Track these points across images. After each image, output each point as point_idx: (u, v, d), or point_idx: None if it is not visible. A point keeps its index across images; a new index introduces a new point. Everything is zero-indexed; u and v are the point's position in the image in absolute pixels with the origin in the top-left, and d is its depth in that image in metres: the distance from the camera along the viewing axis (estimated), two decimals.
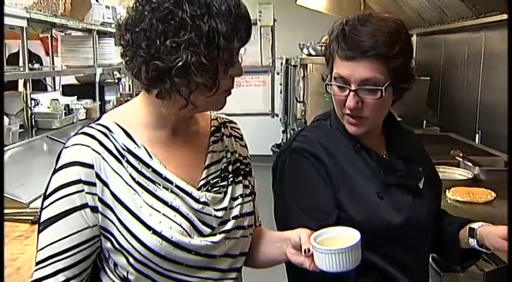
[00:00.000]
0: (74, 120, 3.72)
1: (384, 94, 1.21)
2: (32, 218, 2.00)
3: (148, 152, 1.04)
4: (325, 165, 1.26)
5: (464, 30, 3.56)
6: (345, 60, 1.22)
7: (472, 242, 1.27)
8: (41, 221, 1.01)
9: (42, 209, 1.02)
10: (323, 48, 1.36)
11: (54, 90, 4.41)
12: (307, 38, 4.67)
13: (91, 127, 1.05)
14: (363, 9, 4.55)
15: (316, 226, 1.12)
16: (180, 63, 0.94)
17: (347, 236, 1.05)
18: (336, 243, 1.03)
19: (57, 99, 3.64)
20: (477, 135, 3.30)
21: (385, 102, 1.25)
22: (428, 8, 3.74)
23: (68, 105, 3.70)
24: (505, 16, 2.76)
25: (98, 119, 1.09)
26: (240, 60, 1.06)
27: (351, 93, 1.22)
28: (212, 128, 1.18)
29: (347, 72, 1.22)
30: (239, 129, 1.26)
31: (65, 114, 3.61)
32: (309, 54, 4.13)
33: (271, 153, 5.59)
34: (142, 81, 1.00)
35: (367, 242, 1.17)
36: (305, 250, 1.05)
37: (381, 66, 1.20)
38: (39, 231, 1.02)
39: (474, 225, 1.29)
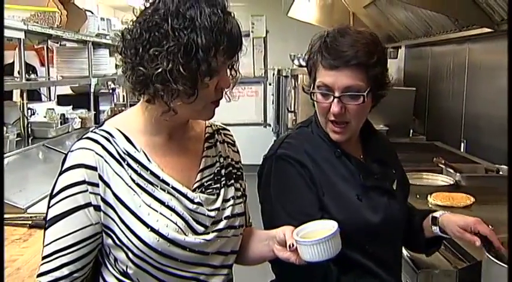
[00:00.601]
0: (70, 129, 3.79)
1: (365, 100, 1.31)
2: (29, 222, 2.07)
3: (147, 156, 1.12)
4: (310, 171, 1.34)
5: (449, 43, 3.66)
6: (328, 70, 1.31)
7: (435, 229, 1.38)
8: (48, 218, 1.10)
9: (48, 207, 1.10)
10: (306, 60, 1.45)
11: (50, 100, 4.48)
12: (298, 49, 4.77)
13: (95, 132, 1.13)
14: (352, 21, 4.67)
15: None
16: (159, 70, 1.02)
17: (326, 228, 1.13)
18: (316, 235, 1.11)
19: (53, 109, 3.71)
20: (462, 144, 3.39)
21: (365, 108, 1.35)
22: (414, 21, 3.85)
23: (63, 114, 3.76)
24: (485, 29, 2.87)
25: (101, 125, 1.17)
26: (231, 73, 1.14)
27: (335, 99, 1.31)
28: (206, 135, 1.26)
29: (331, 80, 1.31)
30: (232, 135, 1.35)
31: (61, 124, 3.67)
32: (300, 65, 4.24)
33: None
34: (131, 85, 1.10)
35: (349, 240, 1.26)
36: (290, 245, 1.12)
37: (362, 75, 1.30)
38: (45, 228, 1.10)
39: (436, 214, 1.40)
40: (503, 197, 2.19)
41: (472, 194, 2.16)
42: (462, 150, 3.36)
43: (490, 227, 1.27)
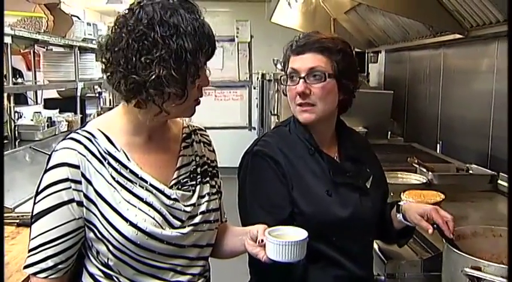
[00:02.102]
0: (56, 132, 3.85)
1: (326, 79, 1.42)
2: (17, 221, 2.14)
3: (126, 156, 1.20)
4: (282, 167, 1.43)
5: (425, 48, 3.78)
6: (296, 55, 1.46)
7: (399, 216, 1.47)
8: (33, 214, 1.17)
9: (34, 203, 1.17)
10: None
11: (37, 103, 4.53)
12: (281, 54, 4.85)
13: (77, 133, 1.20)
14: (333, 27, 4.78)
15: (273, 220, 1.30)
16: (153, 77, 1.10)
17: (297, 235, 1.22)
18: (286, 238, 1.20)
19: (39, 112, 3.77)
20: (438, 146, 3.51)
21: (329, 90, 1.44)
22: (392, 27, 3.97)
23: (50, 117, 3.82)
24: (457, 35, 3.00)
25: (84, 125, 1.24)
26: (207, 72, 1.22)
27: (300, 80, 1.43)
28: (183, 135, 1.34)
29: (297, 64, 1.45)
30: (208, 135, 1.42)
31: (47, 127, 3.73)
32: (283, 70, 4.32)
33: None
34: (122, 93, 1.16)
35: (317, 232, 1.35)
36: (259, 240, 1.21)
37: (325, 58, 1.43)
38: (31, 223, 1.17)
39: (400, 203, 1.49)
40: (472, 193, 2.35)
41: (442, 191, 2.27)
42: (438, 151, 3.47)
43: (449, 215, 1.36)
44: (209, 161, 1.37)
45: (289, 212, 1.41)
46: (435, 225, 1.35)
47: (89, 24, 4.52)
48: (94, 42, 4.54)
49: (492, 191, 2.42)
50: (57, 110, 4.11)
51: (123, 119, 1.23)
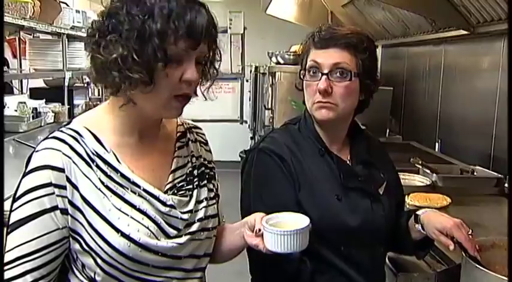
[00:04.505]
0: (42, 124, 3.70)
1: (352, 78, 1.31)
2: None
3: (116, 157, 1.07)
4: (289, 166, 1.34)
5: (425, 44, 3.70)
6: (319, 49, 1.34)
7: (418, 226, 1.35)
8: (10, 223, 1.02)
9: (11, 211, 1.03)
10: (297, 54, 1.47)
11: (22, 93, 4.36)
12: (276, 46, 4.76)
13: (62, 131, 1.07)
14: (330, 20, 4.68)
15: None
16: (113, 56, 0.99)
17: (298, 222, 1.11)
18: (285, 227, 1.09)
19: (24, 102, 3.61)
20: (437, 144, 3.44)
21: (352, 91, 1.34)
22: (391, 21, 3.88)
23: (35, 108, 3.67)
24: (462, 31, 2.90)
25: (68, 123, 1.11)
26: (208, 70, 1.11)
27: (323, 77, 1.32)
28: (178, 134, 1.22)
29: (321, 58, 1.33)
30: (204, 134, 1.31)
31: (33, 118, 3.58)
32: (278, 63, 4.21)
33: (239, 159, 5.64)
34: (92, 76, 1.06)
35: (323, 239, 1.25)
36: (257, 230, 1.11)
37: (350, 56, 1.32)
38: (8, 233, 1.03)
39: (419, 212, 1.37)
40: (479, 197, 2.26)
41: (448, 194, 2.19)
42: (437, 150, 3.41)
43: (470, 231, 1.26)
44: (206, 162, 1.26)
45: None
46: (455, 239, 1.24)
47: (78, 11, 4.36)
48: (83, 30, 4.38)
49: (498, 195, 2.34)
50: (43, 100, 3.95)
51: (111, 116, 1.11)
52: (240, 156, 5.71)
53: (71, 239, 1.05)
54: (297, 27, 5.23)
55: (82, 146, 1.06)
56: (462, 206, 2.12)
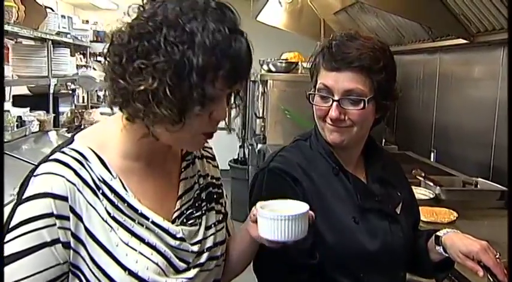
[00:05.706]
0: (27, 133, 3.53)
1: (366, 105, 1.21)
2: None
3: (123, 184, 0.97)
4: (302, 187, 1.25)
5: (420, 52, 3.66)
6: (329, 71, 1.23)
7: (439, 249, 1.27)
8: (5, 255, 0.89)
9: (4, 242, 0.90)
10: (308, 63, 1.35)
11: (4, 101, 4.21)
12: (266, 54, 4.68)
13: (64, 153, 0.95)
14: (323, 28, 4.62)
15: (293, 249, 1.08)
16: (141, 88, 0.86)
17: (296, 207, 1.02)
18: (282, 212, 0.99)
19: (8, 111, 3.45)
20: (432, 154, 3.40)
21: (367, 116, 1.25)
22: (385, 29, 3.83)
23: (20, 117, 3.51)
24: (460, 40, 2.86)
25: (70, 142, 0.99)
26: (235, 101, 1.01)
27: (334, 103, 1.22)
28: (183, 152, 1.13)
29: (331, 82, 1.22)
30: (211, 148, 1.23)
31: (17, 127, 3.42)
32: (269, 70, 4.13)
33: (228, 167, 5.55)
34: (110, 98, 0.94)
35: (341, 266, 1.16)
36: (251, 216, 1.03)
37: (365, 79, 1.21)
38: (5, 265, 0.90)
39: (440, 233, 1.29)
40: (483, 211, 2.20)
41: (453, 208, 2.13)
42: (432, 159, 3.36)
43: (497, 254, 1.18)
44: (214, 180, 1.18)
45: (311, 238, 1.16)
46: (482, 263, 1.16)
47: (63, 16, 4.22)
48: (68, 36, 4.25)
49: (503, 208, 2.28)
50: (28, 108, 3.79)
51: (119, 137, 1.00)
52: (229, 165, 5.61)
53: (70, 274, 0.94)
54: (287, 35, 5.17)
55: (88, 172, 0.95)
56: (469, 221, 2.06)
